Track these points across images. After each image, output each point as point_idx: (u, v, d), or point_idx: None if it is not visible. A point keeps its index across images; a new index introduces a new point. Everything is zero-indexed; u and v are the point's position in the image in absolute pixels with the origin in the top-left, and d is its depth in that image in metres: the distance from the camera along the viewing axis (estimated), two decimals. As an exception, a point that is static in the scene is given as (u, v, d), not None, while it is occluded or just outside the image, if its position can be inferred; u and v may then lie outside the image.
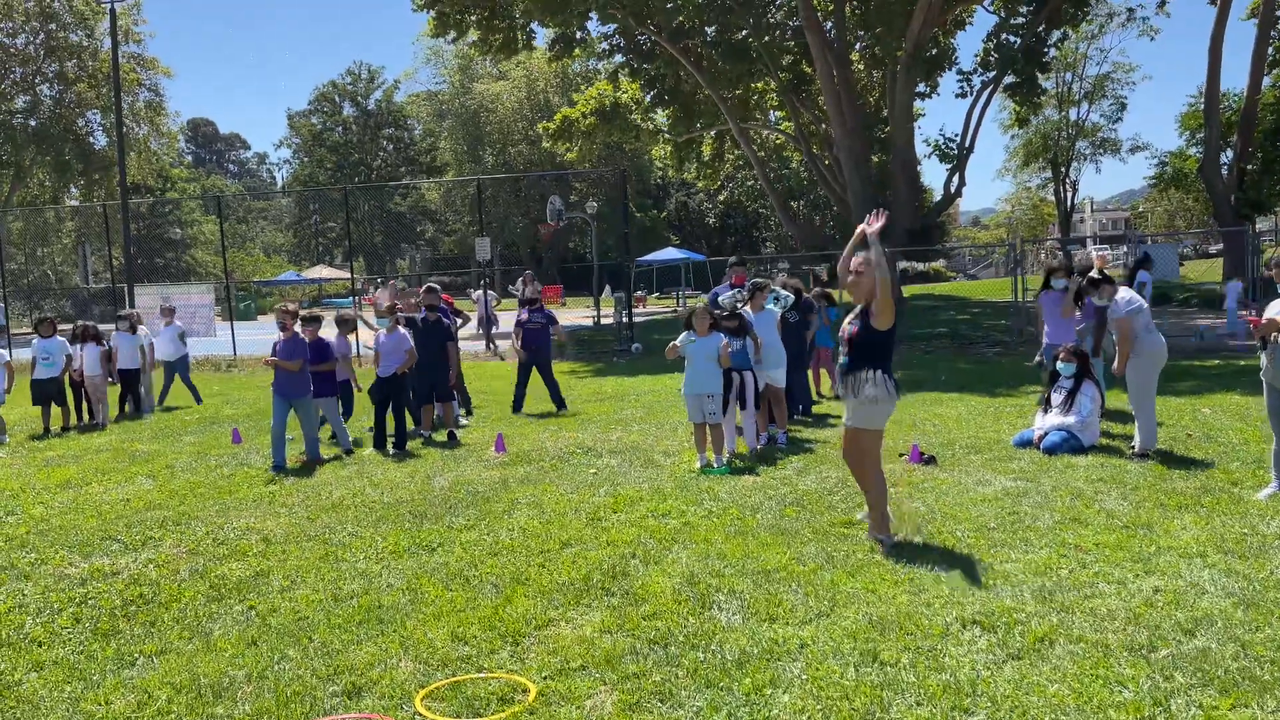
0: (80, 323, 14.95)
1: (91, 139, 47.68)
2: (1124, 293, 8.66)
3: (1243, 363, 15.41)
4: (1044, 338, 10.60)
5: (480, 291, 26.50)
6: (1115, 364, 8.79)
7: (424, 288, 12.36)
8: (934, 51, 29.26)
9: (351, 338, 11.99)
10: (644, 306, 39.59)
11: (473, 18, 29.38)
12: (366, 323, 13.50)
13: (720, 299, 10.49)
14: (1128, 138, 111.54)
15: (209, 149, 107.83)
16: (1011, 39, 28.93)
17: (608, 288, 38.34)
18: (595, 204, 41.94)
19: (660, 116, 36.36)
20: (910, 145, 29.81)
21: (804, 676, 4.42)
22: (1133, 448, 8.80)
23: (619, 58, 33.49)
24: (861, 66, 34.30)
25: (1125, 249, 37.63)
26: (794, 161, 48.48)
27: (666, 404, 13.34)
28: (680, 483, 8.46)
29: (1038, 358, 10.73)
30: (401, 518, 7.70)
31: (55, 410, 13.85)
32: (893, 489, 7.52)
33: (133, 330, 14.96)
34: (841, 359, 6.54)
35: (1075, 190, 65.26)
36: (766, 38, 29.80)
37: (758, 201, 62.10)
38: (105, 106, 44.72)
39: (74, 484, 9.78)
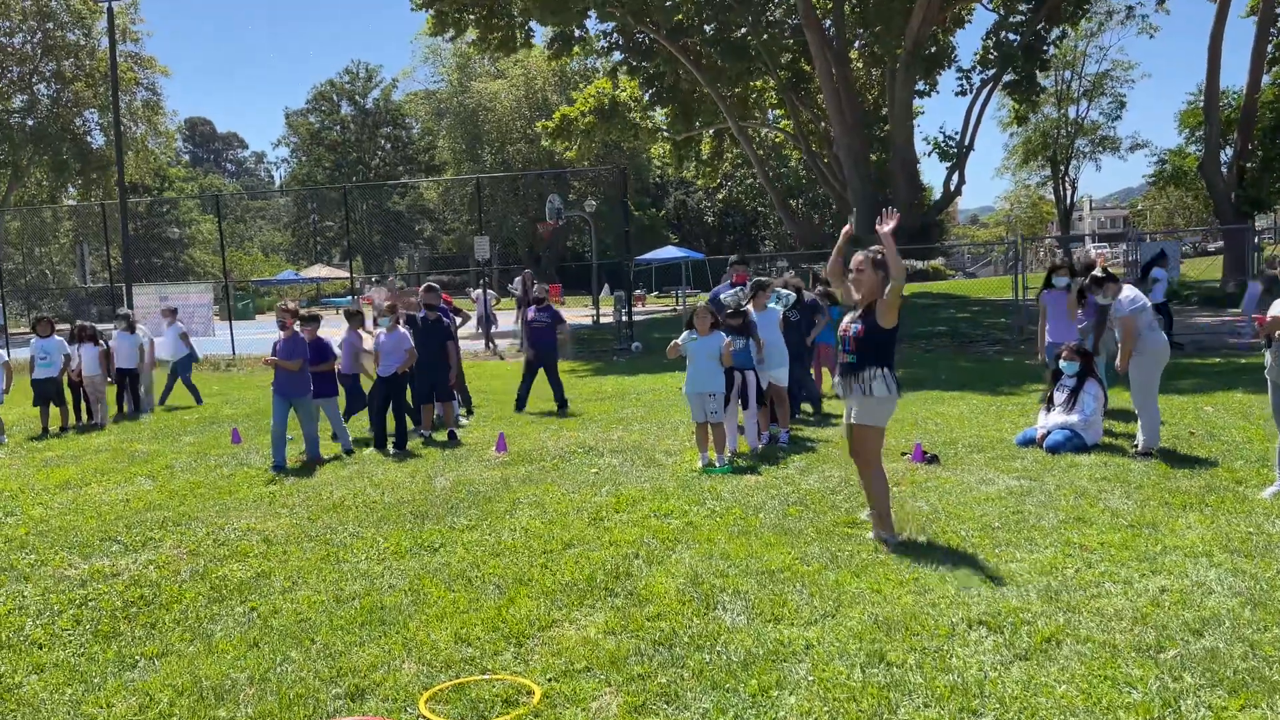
0: (78, 322, 14.91)
1: (89, 138, 47.62)
2: (1128, 290, 8.64)
3: (1244, 361, 15.38)
4: (1046, 336, 10.57)
5: (479, 290, 26.46)
6: (1118, 360, 8.77)
7: (423, 287, 12.33)
8: (933, 49, 29.28)
9: (362, 332, 11.91)
10: (643, 305, 39.56)
11: (471, 16, 29.37)
12: (369, 331, 13.48)
13: (722, 297, 10.46)
14: (1127, 136, 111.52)
15: (206, 148, 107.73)
16: (1011, 37, 28.94)
17: (606, 286, 38.29)
18: (594, 203, 41.91)
19: (659, 115, 36.34)
20: (910, 143, 29.83)
21: (810, 678, 4.40)
22: (1136, 446, 8.77)
23: (617, 55, 33.47)
24: (860, 65, 34.30)
25: (1125, 247, 37.64)
26: (792, 160, 48.47)
27: (667, 403, 13.31)
28: (682, 482, 8.43)
29: (1039, 356, 10.70)
30: (403, 518, 7.67)
31: (54, 410, 13.82)
32: (895, 488, 7.50)
33: (131, 330, 14.92)
34: (847, 357, 6.50)
35: (1074, 188, 65.25)
36: (765, 35, 29.79)
37: (756, 200, 62.11)
38: (103, 105, 44.66)
39: (73, 484, 9.74)
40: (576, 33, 30.77)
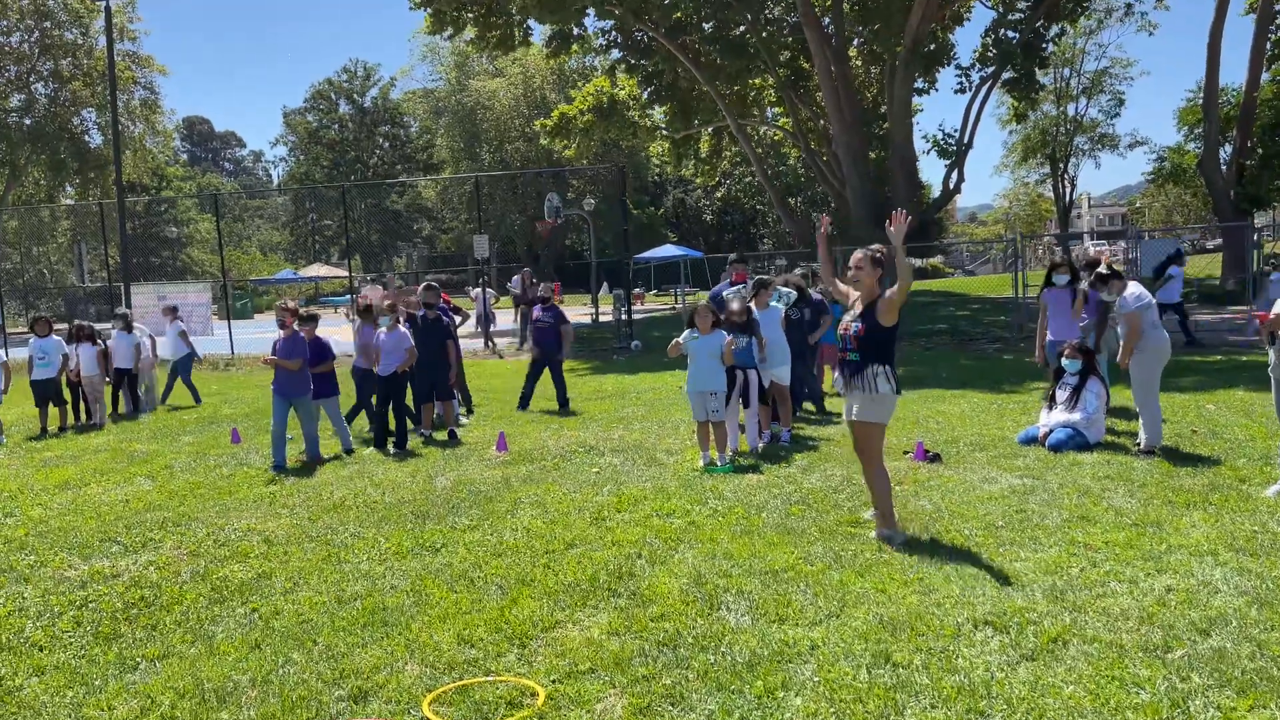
0: (76, 322, 14.86)
1: (87, 137, 47.53)
2: (1134, 287, 8.61)
3: (1244, 358, 15.37)
4: (1047, 334, 10.55)
5: (478, 289, 26.42)
6: (1120, 355, 8.75)
7: (422, 286, 12.30)
8: (932, 47, 29.19)
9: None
10: (642, 304, 39.52)
11: (470, 14, 29.28)
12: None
13: (725, 294, 10.45)
14: (1126, 133, 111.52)
15: (204, 147, 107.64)
16: (1010, 34, 28.87)
17: (605, 285, 38.25)
18: (592, 201, 41.85)
19: (658, 113, 36.27)
20: (909, 141, 29.76)
21: (816, 678, 4.37)
22: (1138, 445, 8.75)
23: (616, 54, 33.40)
24: (859, 62, 34.24)
25: (1124, 244, 37.65)
26: (791, 158, 48.43)
27: (667, 402, 13.29)
28: (684, 481, 8.40)
29: (1041, 354, 10.68)
30: (404, 518, 7.64)
31: (53, 410, 13.79)
32: (898, 487, 7.48)
33: (128, 329, 14.87)
34: (849, 356, 6.52)
35: (1074, 186, 65.23)
36: (764, 33, 29.72)
37: (755, 198, 62.07)
38: (100, 104, 44.60)
39: (72, 485, 9.71)
40: (575, 31, 30.69)
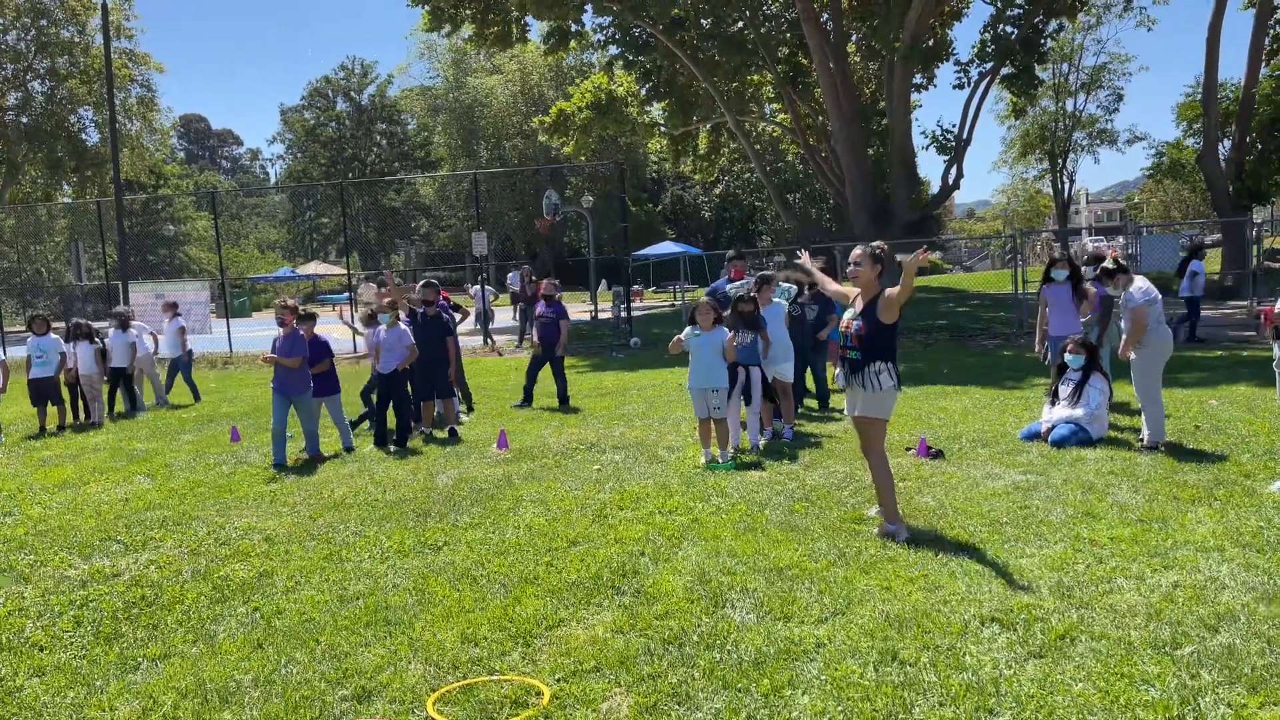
0: (73, 320, 14.81)
1: (84, 135, 47.38)
2: (1140, 282, 8.58)
3: (1245, 353, 15.35)
4: (1047, 329, 10.52)
5: (478, 287, 26.38)
6: (1121, 348, 8.72)
7: (421, 283, 12.26)
8: (931, 42, 29.16)
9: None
10: (641, 301, 39.48)
11: (467, 11, 29.23)
12: (356, 330, 13.43)
13: (728, 289, 10.41)
14: (1124, 129, 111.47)
15: (202, 145, 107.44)
16: (1009, 29, 28.83)
17: (604, 282, 38.21)
18: (591, 198, 41.81)
19: (656, 110, 36.23)
20: (908, 137, 29.71)
21: (823, 677, 4.34)
22: (1141, 440, 8.73)
23: (614, 50, 33.33)
24: (858, 58, 34.21)
25: (1123, 240, 37.60)
26: (789, 154, 48.37)
27: (668, 399, 13.26)
28: (686, 478, 8.37)
29: (1040, 348, 10.66)
30: (405, 516, 7.60)
31: (51, 409, 13.74)
32: (901, 483, 7.45)
33: (123, 328, 14.80)
34: (851, 353, 6.52)
35: (1072, 181, 65.18)
36: (763, 29, 29.68)
37: (754, 195, 61.97)
38: (97, 102, 44.48)
39: (72, 484, 9.67)
40: (573, 27, 30.64)
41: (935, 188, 37.93)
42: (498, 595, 5.63)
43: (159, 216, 71.88)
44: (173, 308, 16.65)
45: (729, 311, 9.43)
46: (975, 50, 29.82)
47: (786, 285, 10.76)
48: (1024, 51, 28.60)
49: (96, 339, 14.27)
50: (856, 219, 29.08)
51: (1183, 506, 6.73)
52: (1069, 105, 59.50)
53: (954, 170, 30.74)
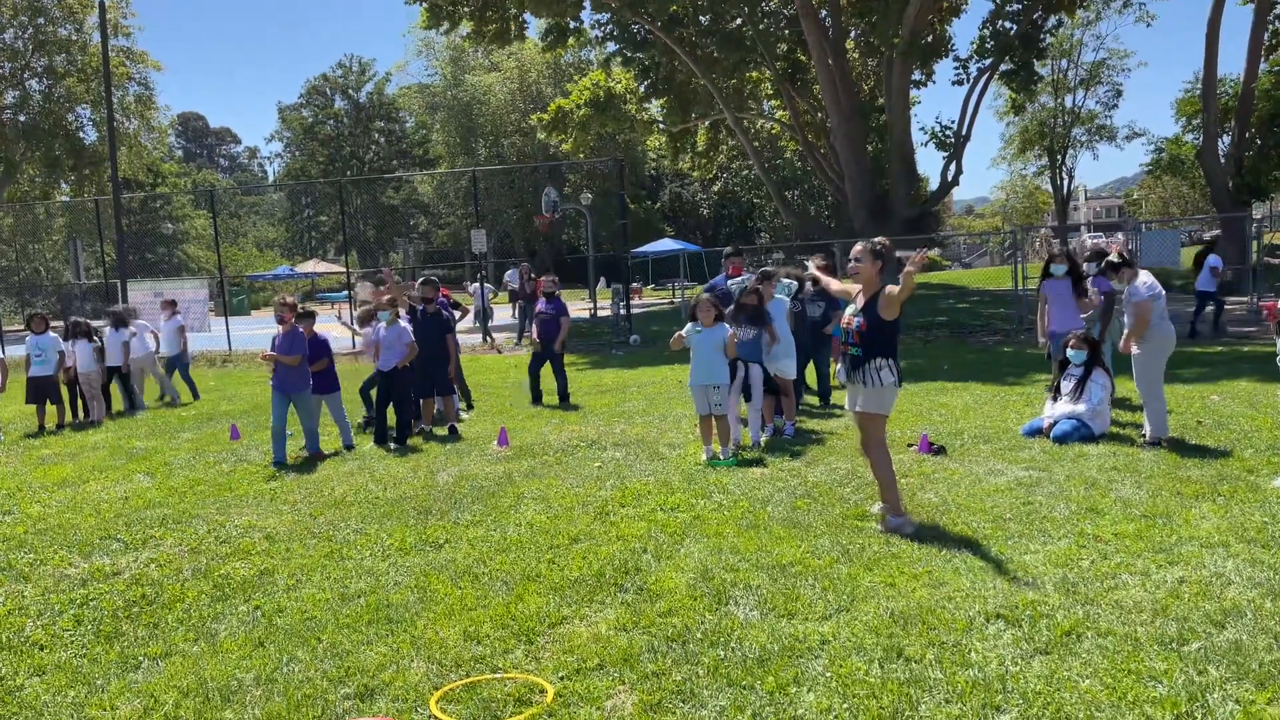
0: (72, 318, 14.77)
1: (82, 134, 47.25)
2: (1145, 276, 8.54)
3: (1246, 349, 15.34)
4: (1048, 324, 10.51)
5: (476, 284, 26.35)
6: (1123, 341, 8.69)
7: (420, 280, 12.22)
8: (930, 38, 29.13)
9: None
10: (640, 298, 39.44)
11: (466, 8, 29.18)
12: (354, 330, 13.43)
13: (729, 285, 10.38)
14: (1123, 125, 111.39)
15: (199, 143, 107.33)
16: (1008, 25, 28.82)
17: (603, 279, 38.17)
18: (590, 195, 41.73)
19: (655, 106, 36.20)
20: (907, 133, 29.71)
21: (828, 674, 4.32)
22: (1143, 436, 8.70)
23: (612, 46, 33.30)
24: (857, 55, 34.18)
25: (1121, 235, 37.58)
26: (788, 151, 48.35)
27: (668, 395, 13.23)
28: (687, 475, 8.35)
29: (1042, 340, 10.64)
30: (406, 514, 7.58)
31: (50, 408, 13.70)
32: (904, 480, 7.43)
33: (116, 326, 14.74)
34: (852, 350, 6.53)
35: (1071, 178, 65.18)
36: (761, 26, 29.66)
37: (752, 192, 61.93)
38: (95, 101, 44.36)
39: (71, 482, 9.64)
40: (571, 24, 30.60)
41: (934, 184, 37.93)
42: (500, 593, 5.61)
43: (157, 215, 71.84)
44: (171, 306, 16.60)
45: (732, 307, 9.40)
46: (974, 46, 29.80)
47: (787, 281, 10.74)
48: (1023, 47, 28.61)
49: (95, 337, 14.23)
50: (855, 215, 29.08)
51: (1186, 502, 6.71)
52: (1068, 101, 59.50)
53: (953, 166, 30.74)
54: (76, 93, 45.25)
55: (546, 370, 13.29)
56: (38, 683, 4.79)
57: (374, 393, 11.25)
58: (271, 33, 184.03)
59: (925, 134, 31.44)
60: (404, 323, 10.99)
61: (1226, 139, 30.66)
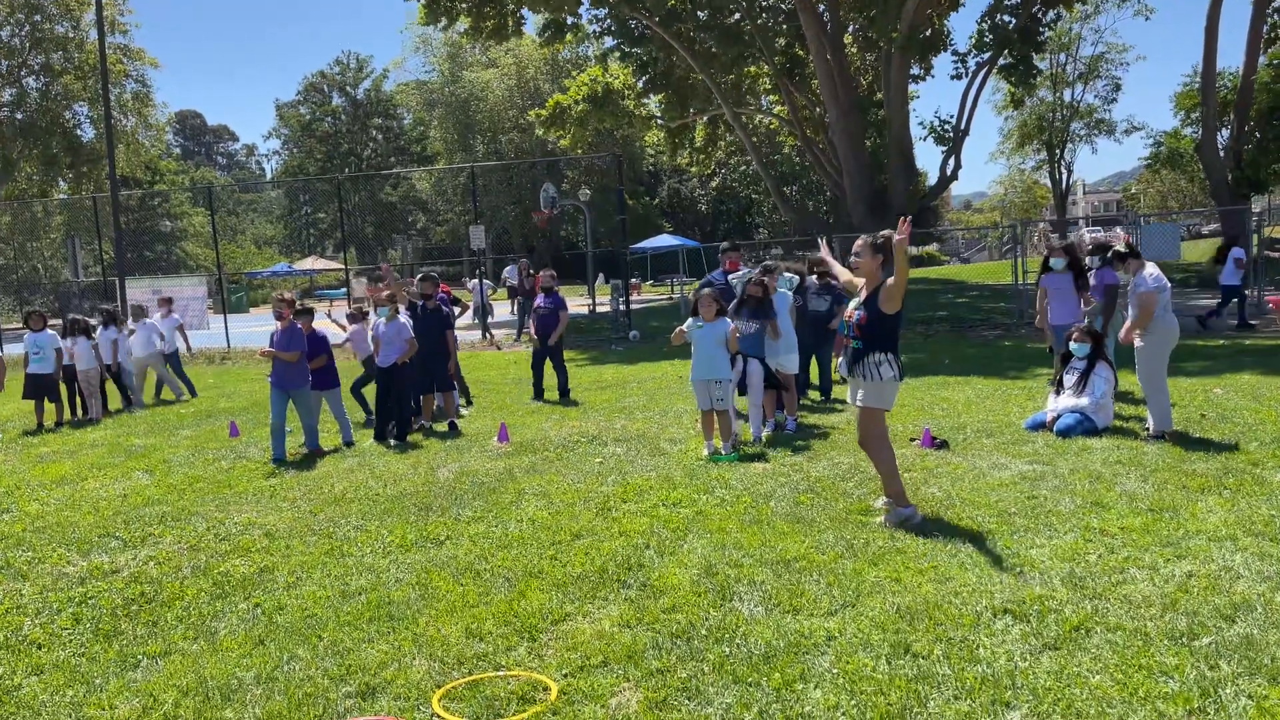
0: (71, 316, 14.72)
1: (79, 131, 47.19)
2: (1151, 268, 8.49)
3: (1247, 342, 15.30)
4: (1050, 319, 10.48)
5: (475, 281, 26.29)
6: (1124, 331, 8.64)
7: (419, 276, 12.17)
8: (928, 33, 29.07)
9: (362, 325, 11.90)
10: (639, 294, 39.40)
11: (464, 4, 29.10)
12: (340, 325, 13.38)
13: (730, 280, 10.33)
14: (1122, 119, 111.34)
15: (197, 141, 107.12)
16: (1006, 19, 28.76)
17: (601, 275, 38.11)
18: (588, 191, 41.67)
19: (653, 102, 36.13)
20: (905, 127, 29.66)
21: (834, 670, 4.27)
22: (1147, 429, 8.66)
23: (610, 42, 33.23)
24: (855, 49, 34.11)
25: (1120, 230, 37.53)
26: (787, 146, 48.30)
27: (669, 391, 13.18)
28: (689, 471, 8.30)
29: (1045, 334, 10.61)
30: (407, 510, 7.53)
31: (48, 405, 13.64)
32: (907, 474, 7.38)
33: (105, 325, 14.66)
34: (853, 343, 6.51)
35: (1070, 172, 65.12)
36: (759, 20, 29.59)
37: (751, 187, 61.87)
38: (92, 98, 44.28)
39: (69, 480, 9.59)
40: (569, 20, 30.52)
41: (933, 179, 37.87)
42: (502, 590, 5.56)
43: (155, 212, 71.73)
44: (167, 303, 16.54)
45: (735, 301, 9.35)
46: (973, 40, 29.77)
47: (790, 275, 10.69)
48: (1022, 41, 28.56)
49: (94, 335, 14.18)
50: (854, 210, 29.03)
51: (1192, 495, 6.66)
52: (1067, 95, 59.44)
53: (952, 161, 30.68)
54: (74, 90, 45.17)
55: (548, 366, 13.26)
56: (35, 682, 4.74)
57: (365, 390, 11.23)
58: (269, 30, 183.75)
59: (924, 129, 31.45)
60: (404, 318, 10.93)
61: (1226, 132, 30.64)
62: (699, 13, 29.87)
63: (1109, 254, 9.22)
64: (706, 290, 9.27)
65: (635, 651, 4.58)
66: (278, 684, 4.50)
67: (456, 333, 12.47)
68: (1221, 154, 28.92)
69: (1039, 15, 29.41)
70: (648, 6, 28.20)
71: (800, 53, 31.81)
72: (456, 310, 13.65)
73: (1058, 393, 9.30)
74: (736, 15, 29.83)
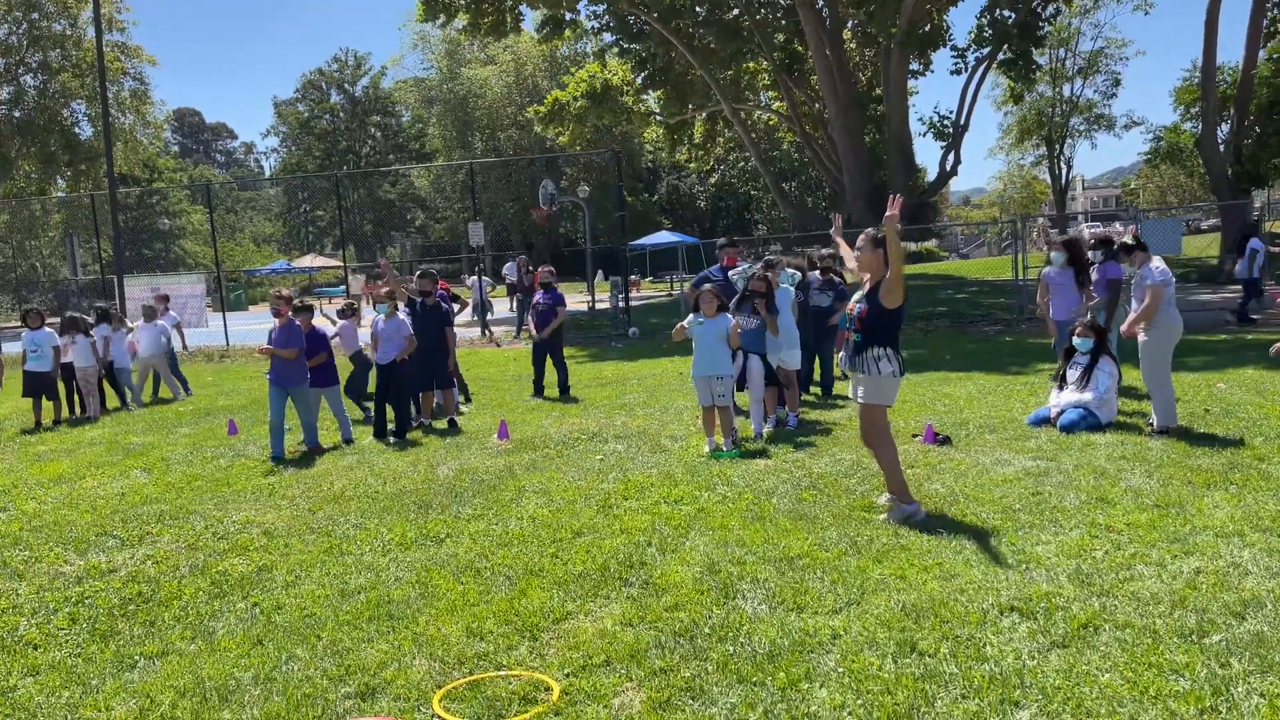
0: (69, 314, 14.66)
1: (77, 129, 47.12)
2: (1157, 261, 8.43)
3: (1250, 337, 15.24)
4: (1051, 314, 10.44)
5: (474, 277, 26.24)
6: (1126, 324, 8.59)
7: (418, 273, 12.12)
8: (928, 28, 29.01)
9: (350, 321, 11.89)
10: (638, 290, 39.35)
11: (462, 1, 29.04)
12: (330, 319, 13.33)
13: (731, 276, 10.28)
14: (1121, 114, 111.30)
15: (196, 139, 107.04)
16: (1006, 14, 28.69)
17: (600, 272, 38.06)
18: (587, 188, 41.63)
19: (652, 98, 36.06)
20: (905, 123, 29.60)
21: (840, 669, 4.22)
22: (1151, 425, 8.60)
23: (608, 38, 33.16)
24: (854, 45, 34.04)
25: (1119, 225, 37.48)
26: (786, 142, 48.25)
27: (669, 387, 13.13)
28: (690, 467, 8.24)
29: (1049, 328, 10.57)
30: (406, 508, 7.47)
31: (46, 404, 13.58)
32: (910, 470, 7.33)
33: (98, 322, 14.59)
34: (853, 336, 6.47)
35: (1069, 167, 65.06)
36: (758, 16, 29.52)
37: (750, 183, 61.83)
38: (90, 96, 44.23)
39: (67, 478, 9.53)
40: (567, 16, 30.46)
41: (933, 174, 37.81)
42: (502, 588, 5.51)
43: (153, 210, 71.71)
44: (164, 301, 16.48)
45: (737, 297, 9.29)
46: (972, 35, 29.71)
47: (791, 271, 10.64)
48: (1021, 36, 28.50)
49: (91, 333, 14.12)
50: (853, 206, 28.96)
51: (1198, 491, 6.61)
52: (1066, 91, 59.37)
53: (951, 156, 30.63)
54: (71, 88, 45.11)
55: (549, 363, 13.20)
56: (31, 683, 4.68)
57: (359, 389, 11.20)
58: (267, 28, 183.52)
59: (923, 124, 31.38)
60: (403, 315, 10.88)
61: (1225, 127, 30.56)
62: (698, 8, 29.81)
63: (1114, 247, 9.15)
64: (708, 286, 9.21)
65: (638, 650, 4.52)
66: (276, 684, 4.44)
67: (455, 329, 12.41)
68: (1221, 149, 28.83)
69: (1038, 10, 29.36)
70: (646, 2, 28.15)
71: (799, 48, 31.74)
72: (455, 307, 13.59)
73: (1061, 388, 9.24)
74: (735, 11, 29.76)
